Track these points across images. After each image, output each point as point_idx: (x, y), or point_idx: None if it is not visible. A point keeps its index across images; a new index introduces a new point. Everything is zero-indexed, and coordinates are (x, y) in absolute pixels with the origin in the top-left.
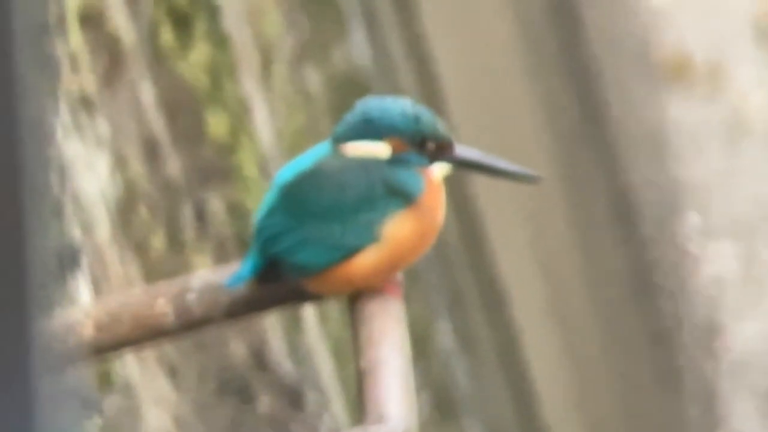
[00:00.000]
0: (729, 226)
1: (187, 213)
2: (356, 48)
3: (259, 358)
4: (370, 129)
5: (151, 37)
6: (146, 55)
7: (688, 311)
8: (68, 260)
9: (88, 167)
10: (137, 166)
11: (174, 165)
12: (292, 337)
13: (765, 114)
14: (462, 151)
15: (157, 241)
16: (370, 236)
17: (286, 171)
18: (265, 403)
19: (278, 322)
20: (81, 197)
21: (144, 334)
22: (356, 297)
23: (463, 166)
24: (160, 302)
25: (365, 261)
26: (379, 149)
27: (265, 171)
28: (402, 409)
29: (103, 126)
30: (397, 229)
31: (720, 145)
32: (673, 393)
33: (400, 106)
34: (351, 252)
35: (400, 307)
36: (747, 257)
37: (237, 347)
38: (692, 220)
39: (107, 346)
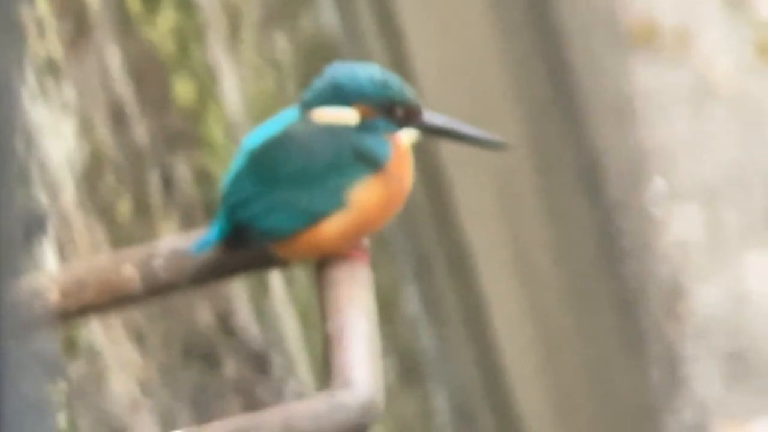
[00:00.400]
0: (694, 191)
1: (153, 179)
2: (324, 13)
3: (226, 323)
4: (338, 95)
5: (117, 2)
6: (113, 20)
7: (653, 275)
8: (34, 226)
9: (54, 133)
10: (103, 132)
11: (141, 131)
12: (259, 302)
13: (731, 80)
14: (430, 117)
15: (124, 207)
16: (337, 202)
17: (254, 137)
18: (230, 367)
19: (245, 287)
20: (47, 163)
21: (110, 300)
22: (323, 262)
23: (432, 132)
24: (126, 268)
25: (332, 226)
26: (347, 115)
27: (232, 137)
28: (368, 374)
29: (69, 91)
30: (365, 194)
31: (686, 110)
32: (638, 356)
33: (368, 72)
34: (318, 217)
35: (367, 273)
36: (712, 222)
37: (203, 312)
38: (658, 184)
39: (73, 311)
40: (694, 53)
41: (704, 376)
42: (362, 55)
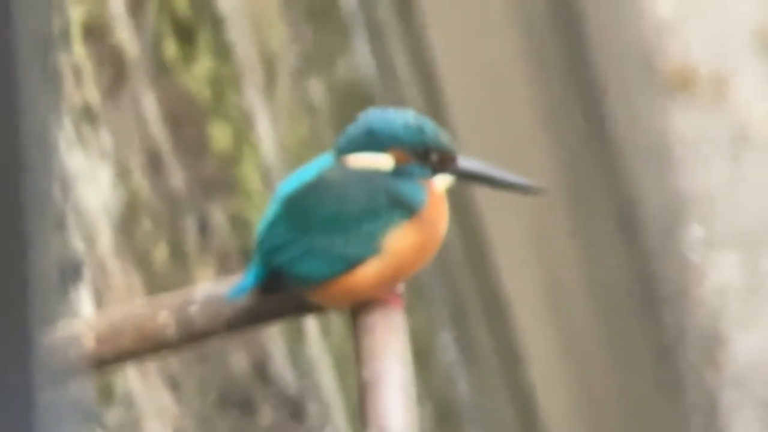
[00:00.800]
0: (732, 237)
1: (189, 225)
2: (360, 59)
3: (261, 370)
4: (372, 140)
5: (154, 49)
6: (149, 67)
7: (691, 322)
8: (70, 272)
9: (91, 179)
10: (140, 178)
11: (177, 177)
12: (294, 348)
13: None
14: (465, 162)
15: (160, 253)
16: (372, 248)
17: (289, 182)
18: (266, 415)
19: (280, 333)
20: (84, 209)
21: (146, 347)
22: (358, 308)
23: (466, 177)
24: (162, 314)
25: (367, 272)
26: (382, 161)
27: (267, 182)
28: (404, 422)
29: (106, 138)
30: (400, 240)
31: (723, 156)
32: (675, 404)
33: (403, 117)
34: (353, 263)
35: (402, 319)
36: (750, 268)
37: (239, 359)
38: (695, 231)
39: (109, 358)
40: (732, 99)
41: (743, 425)
42: (397, 101)
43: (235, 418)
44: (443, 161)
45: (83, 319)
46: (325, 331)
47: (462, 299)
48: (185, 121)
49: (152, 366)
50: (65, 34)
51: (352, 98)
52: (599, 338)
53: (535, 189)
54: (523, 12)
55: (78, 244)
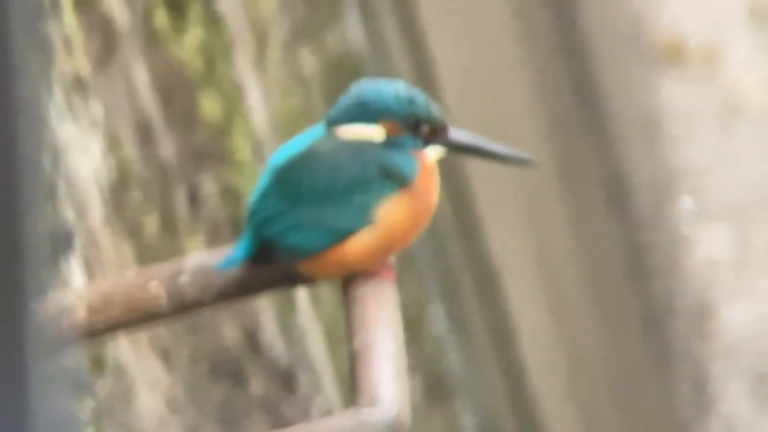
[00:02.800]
0: (722, 210)
1: (180, 195)
2: (351, 30)
3: (252, 340)
4: (364, 112)
5: (145, 18)
6: (140, 37)
7: (681, 294)
8: (61, 243)
9: (81, 149)
10: (130, 149)
11: (167, 147)
12: (285, 319)
13: (759, 97)
14: (456, 134)
15: (151, 224)
16: (363, 219)
17: (280, 154)
18: (257, 385)
19: (271, 304)
20: (74, 179)
21: (137, 317)
22: (349, 279)
23: (457, 149)
24: (153, 284)
25: (359, 244)
26: (373, 132)
27: (258, 154)
28: (394, 392)
29: (96, 108)
30: (391, 211)
31: (714, 128)
32: (665, 375)
33: (394, 88)
34: (344, 235)
35: (393, 290)
36: (740, 240)
37: (230, 329)
38: (686, 203)
39: (100, 328)
40: (722, 70)
41: (732, 396)
42: (388, 72)
43: (226, 388)
44: (434, 132)
45: (74, 289)
46: (316, 302)
47: (452, 271)
48: (176, 91)
49: (143, 336)
50: (56, 3)
51: (343, 69)
52: (589, 310)
53: (525, 160)
54: None
55: (69, 215)
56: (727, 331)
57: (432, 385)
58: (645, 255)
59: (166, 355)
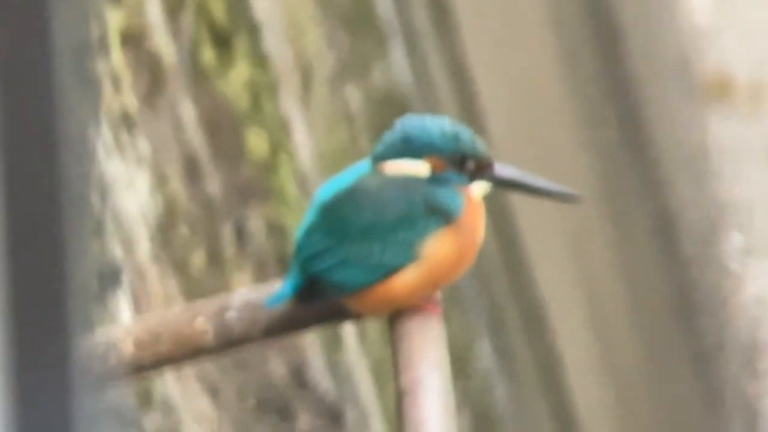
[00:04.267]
0: None
1: (227, 231)
2: (396, 66)
3: (299, 376)
4: (409, 148)
5: (192, 55)
6: (187, 73)
7: (731, 331)
8: (109, 278)
9: (128, 185)
10: (177, 185)
11: (214, 183)
12: (332, 355)
13: None
14: (501, 169)
15: (197, 260)
16: (409, 255)
17: (326, 189)
18: (304, 421)
19: (318, 340)
20: (121, 215)
21: (184, 352)
22: (396, 315)
23: (503, 184)
24: (199, 320)
25: (405, 280)
26: (419, 168)
27: (304, 189)
28: (442, 430)
29: (143, 144)
30: (437, 247)
31: (762, 164)
32: (715, 414)
33: (439, 124)
34: (391, 271)
35: (440, 326)
36: None
37: (276, 365)
38: (734, 239)
39: (147, 364)
40: None
41: None
42: (433, 108)
43: (273, 424)
44: (480, 168)
45: (121, 324)
46: (363, 338)
47: (499, 307)
48: (222, 127)
49: (190, 372)
50: (103, 41)
51: (388, 105)
52: (637, 347)
53: (572, 196)
54: (559, 19)
55: (116, 250)
56: None
57: (479, 421)
58: (693, 292)
59: (213, 391)
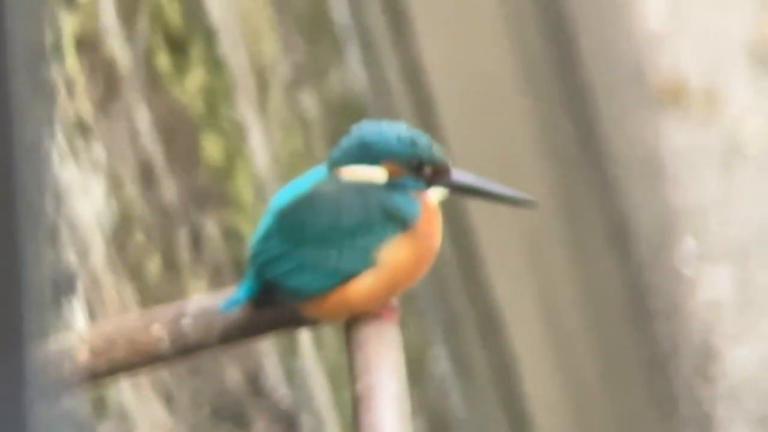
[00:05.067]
0: (724, 251)
1: (182, 237)
2: (352, 72)
3: (255, 383)
4: (366, 153)
5: (147, 61)
6: (142, 79)
7: (684, 335)
8: (63, 285)
9: (83, 192)
10: (133, 191)
11: (170, 189)
12: (288, 361)
13: (760, 139)
14: (458, 175)
15: (153, 266)
16: (366, 261)
17: (282, 195)
18: (260, 428)
19: (273, 346)
20: (76, 222)
21: (139, 359)
22: (352, 322)
23: (460, 190)
24: (155, 327)
25: (361, 286)
26: (376, 173)
27: (261, 195)
28: None
29: (98, 150)
30: (394, 253)
31: (715, 169)
32: (669, 418)
33: (396, 130)
34: (347, 277)
35: (396, 332)
36: (743, 281)
37: (232, 372)
38: (688, 244)
39: (102, 371)
40: (723, 113)
41: None
42: (390, 114)
43: (229, 431)
44: (437, 174)
45: (76, 332)
46: (319, 344)
47: (455, 312)
48: (178, 133)
49: (146, 379)
50: (57, 46)
51: (344, 111)
52: (592, 351)
53: (527, 202)
54: (515, 25)
55: (71, 257)
56: (731, 373)
57: (435, 426)
58: (647, 296)
59: (168, 398)
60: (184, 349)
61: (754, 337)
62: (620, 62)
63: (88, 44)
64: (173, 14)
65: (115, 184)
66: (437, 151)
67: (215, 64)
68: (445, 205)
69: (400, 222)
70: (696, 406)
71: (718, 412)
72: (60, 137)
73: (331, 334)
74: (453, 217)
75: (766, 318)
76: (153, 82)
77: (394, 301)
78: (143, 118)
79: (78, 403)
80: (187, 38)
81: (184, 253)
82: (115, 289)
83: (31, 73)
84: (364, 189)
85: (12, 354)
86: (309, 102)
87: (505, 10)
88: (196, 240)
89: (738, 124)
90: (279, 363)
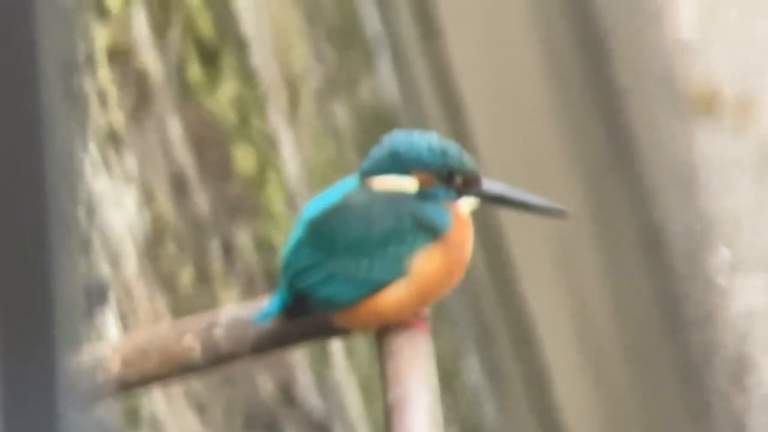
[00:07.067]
0: (758, 260)
1: (214, 248)
2: (383, 82)
3: (287, 393)
4: (397, 163)
5: (179, 72)
6: (174, 90)
7: (718, 345)
8: (96, 296)
9: (115, 202)
10: (165, 202)
11: (202, 200)
12: (320, 371)
13: None
14: (489, 185)
15: (185, 276)
16: (397, 270)
17: (314, 205)
18: None
19: (306, 356)
20: (109, 233)
21: (171, 370)
22: (384, 331)
23: (491, 200)
24: (187, 337)
25: (393, 295)
26: (407, 183)
27: (292, 206)
28: None
29: (131, 161)
30: (425, 263)
31: (749, 178)
32: (703, 427)
33: (427, 140)
34: (379, 286)
35: (428, 342)
36: None
37: (264, 382)
38: (721, 253)
39: (135, 381)
40: (757, 120)
41: None
42: (421, 124)
43: None
44: (467, 184)
45: (109, 342)
46: (351, 354)
47: (487, 322)
48: (209, 144)
49: (178, 389)
50: (90, 58)
51: (376, 121)
52: (625, 361)
53: (559, 212)
54: (546, 34)
55: (103, 268)
56: (765, 382)
57: None
58: (681, 306)
59: (200, 408)
60: (217, 360)
61: None
62: (652, 70)
63: (121, 55)
64: (205, 25)
65: (147, 195)
66: (468, 161)
67: (247, 75)
68: (477, 215)
69: (431, 231)
70: (729, 415)
71: (752, 421)
72: (93, 148)
73: (362, 343)
74: (485, 226)
75: None
76: (185, 93)
77: (426, 311)
78: (175, 129)
79: (110, 413)
80: (219, 49)
81: (216, 263)
82: (147, 299)
83: (64, 85)
84: (395, 199)
85: (45, 364)
86: (340, 112)
87: (535, 19)
88: (228, 250)
89: None
90: (311, 373)
